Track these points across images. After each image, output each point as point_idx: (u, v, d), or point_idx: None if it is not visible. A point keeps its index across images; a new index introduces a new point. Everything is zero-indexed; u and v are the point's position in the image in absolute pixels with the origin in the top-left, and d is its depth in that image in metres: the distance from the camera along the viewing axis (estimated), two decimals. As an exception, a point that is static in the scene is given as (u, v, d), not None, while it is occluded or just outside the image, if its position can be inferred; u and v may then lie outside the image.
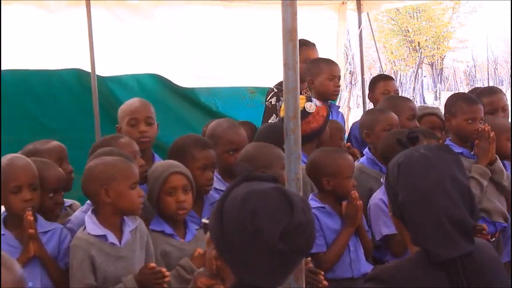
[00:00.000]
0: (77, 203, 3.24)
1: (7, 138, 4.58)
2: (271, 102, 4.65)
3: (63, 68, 5.02)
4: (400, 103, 4.04)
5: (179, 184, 2.82)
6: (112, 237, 2.60)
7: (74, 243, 2.59)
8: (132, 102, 3.50)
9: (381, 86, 4.63)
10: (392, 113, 3.73)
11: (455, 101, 3.72)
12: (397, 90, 4.81)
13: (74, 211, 3.16)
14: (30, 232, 2.60)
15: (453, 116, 3.67)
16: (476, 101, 3.71)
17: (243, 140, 3.44)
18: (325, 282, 2.72)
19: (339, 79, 4.54)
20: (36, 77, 4.91)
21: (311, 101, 3.78)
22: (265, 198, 1.62)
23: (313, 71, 4.46)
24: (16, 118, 4.83)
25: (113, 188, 2.58)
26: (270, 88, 4.72)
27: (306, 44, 4.57)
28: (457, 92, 6.00)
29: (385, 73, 8.75)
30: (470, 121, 3.61)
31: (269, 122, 4.49)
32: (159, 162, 3.03)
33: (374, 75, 5.52)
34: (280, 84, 4.71)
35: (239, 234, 1.61)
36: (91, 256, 2.55)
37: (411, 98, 9.12)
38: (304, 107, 3.70)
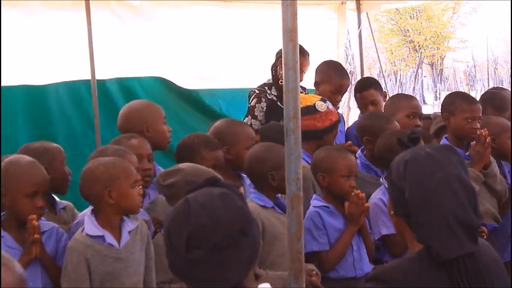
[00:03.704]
0: (71, 204, 3.21)
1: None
2: (250, 103, 4.65)
3: (71, 79, 4.95)
4: (400, 101, 4.04)
5: None
6: (110, 238, 2.59)
7: (71, 245, 2.58)
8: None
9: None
10: (396, 122, 3.70)
11: (454, 99, 3.69)
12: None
13: (68, 213, 3.13)
14: (36, 237, 2.59)
15: (452, 115, 3.66)
16: (475, 100, 3.72)
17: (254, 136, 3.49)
18: None
19: (344, 94, 4.51)
20: (43, 90, 4.80)
21: (325, 102, 3.77)
22: (172, 216, 1.68)
23: (322, 76, 4.43)
24: (24, 131, 4.74)
25: (116, 188, 2.56)
26: (252, 90, 4.70)
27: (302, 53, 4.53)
28: (454, 91, 5.94)
29: (385, 73, 8.74)
30: (469, 120, 3.61)
31: (243, 122, 4.48)
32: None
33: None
34: (262, 86, 4.69)
35: (169, 254, 1.68)
36: (86, 260, 2.53)
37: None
38: (315, 103, 3.69)
